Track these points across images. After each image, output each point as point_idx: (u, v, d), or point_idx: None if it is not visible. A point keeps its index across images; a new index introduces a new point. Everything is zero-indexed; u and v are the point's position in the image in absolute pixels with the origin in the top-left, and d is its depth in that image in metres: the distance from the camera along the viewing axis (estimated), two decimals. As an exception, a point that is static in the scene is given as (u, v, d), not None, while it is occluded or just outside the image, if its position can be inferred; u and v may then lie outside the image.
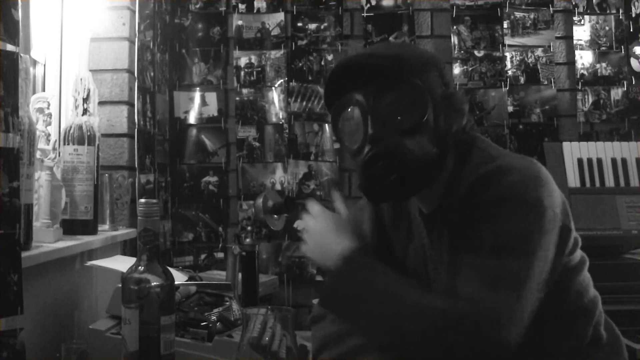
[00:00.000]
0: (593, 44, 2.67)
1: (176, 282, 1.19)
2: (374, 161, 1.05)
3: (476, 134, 1.18)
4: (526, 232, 0.98)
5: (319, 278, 2.57)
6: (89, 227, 1.66)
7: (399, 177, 1.05)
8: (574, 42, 2.67)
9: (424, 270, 1.16)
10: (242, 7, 2.71)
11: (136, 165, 2.15)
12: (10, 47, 1.02)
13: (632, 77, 2.63)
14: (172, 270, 1.21)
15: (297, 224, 1.18)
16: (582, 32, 2.67)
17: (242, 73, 2.69)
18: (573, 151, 2.37)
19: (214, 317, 1.37)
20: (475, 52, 2.67)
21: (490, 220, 0.99)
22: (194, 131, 2.68)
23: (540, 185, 1.03)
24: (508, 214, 0.99)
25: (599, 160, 2.36)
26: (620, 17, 2.66)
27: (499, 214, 0.99)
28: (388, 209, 1.28)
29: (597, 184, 2.32)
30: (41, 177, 1.49)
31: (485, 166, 1.05)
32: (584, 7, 2.68)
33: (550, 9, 2.68)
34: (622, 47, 2.65)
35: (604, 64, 2.65)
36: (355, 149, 1.10)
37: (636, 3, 2.65)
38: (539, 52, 2.66)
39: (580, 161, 2.35)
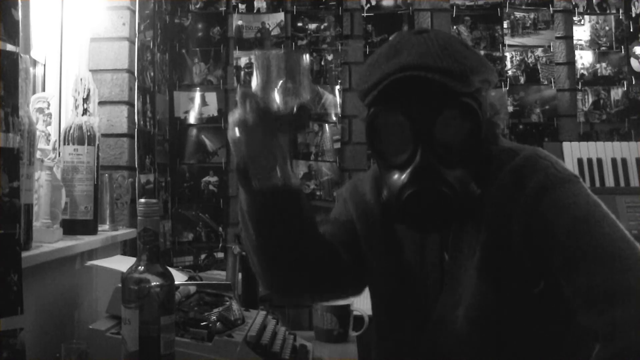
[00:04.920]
0: (593, 44, 2.66)
1: (176, 282, 1.19)
2: (415, 198, 0.99)
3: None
4: (601, 213, 0.96)
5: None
6: (89, 227, 1.65)
7: (437, 217, 1.01)
8: (574, 42, 2.67)
9: (418, 268, 1.14)
10: (242, 7, 2.71)
11: (136, 165, 2.15)
12: (10, 47, 1.02)
13: (632, 77, 2.63)
14: (172, 270, 1.21)
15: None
16: (582, 32, 2.67)
17: (242, 73, 2.69)
18: (573, 151, 2.38)
19: (214, 317, 1.36)
20: (475, 52, 2.66)
21: (566, 223, 0.95)
22: (194, 131, 2.68)
23: (556, 159, 1.03)
24: (571, 203, 0.96)
25: (599, 160, 2.36)
26: (620, 17, 2.66)
27: (565, 210, 0.96)
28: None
29: (597, 184, 2.32)
30: (41, 177, 1.49)
31: (513, 160, 1.03)
32: (584, 7, 2.67)
33: (550, 9, 2.68)
34: (622, 47, 2.64)
35: (604, 64, 2.65)
36: (395, 163, 1.02)
37: (636, 3, 2.65)
38: (539, 52, 2.66)
39: (580, 161, 2.35)
